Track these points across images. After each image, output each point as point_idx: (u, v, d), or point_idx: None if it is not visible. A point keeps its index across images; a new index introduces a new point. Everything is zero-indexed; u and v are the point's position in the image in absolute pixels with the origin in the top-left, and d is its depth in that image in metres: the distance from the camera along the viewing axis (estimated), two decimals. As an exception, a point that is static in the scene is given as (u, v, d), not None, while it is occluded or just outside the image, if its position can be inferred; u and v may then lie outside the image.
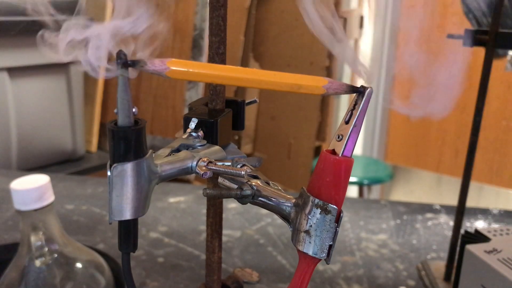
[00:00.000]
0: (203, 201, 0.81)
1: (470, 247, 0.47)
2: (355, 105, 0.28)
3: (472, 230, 0.52)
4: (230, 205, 0.81)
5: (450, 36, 0.50)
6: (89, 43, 0.26)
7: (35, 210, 0.42)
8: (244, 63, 1.96)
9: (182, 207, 0.80)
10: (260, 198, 0.32)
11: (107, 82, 1.84)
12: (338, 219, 0.29)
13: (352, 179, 1.97)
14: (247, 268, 0.48)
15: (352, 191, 2.24)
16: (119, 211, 0.28)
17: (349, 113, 0.28)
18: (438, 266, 0.62)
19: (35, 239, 0.43)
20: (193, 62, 0.27)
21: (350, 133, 0.28)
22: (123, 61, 0.25)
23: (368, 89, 0.27)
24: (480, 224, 0.77)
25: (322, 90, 0.27)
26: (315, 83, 0.27)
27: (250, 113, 2.03)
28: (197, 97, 1.88)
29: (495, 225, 0.77)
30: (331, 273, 0.62)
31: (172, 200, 0.83)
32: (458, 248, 0.55)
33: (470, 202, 0.59)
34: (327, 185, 0.29)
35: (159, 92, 1.92)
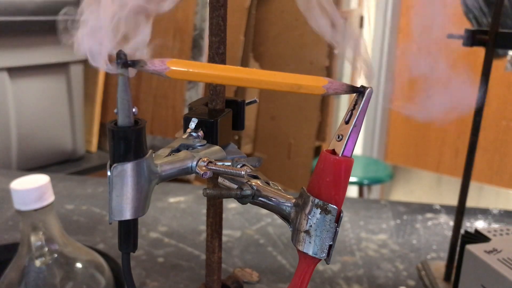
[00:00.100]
0: (203, 201, 0.81)
1: (470, 247, 0.47)
2: (355, 105, 0.28)
3: (472, 230, 0.52)
4: (230, 205, 0.81)
5: (450, 36, 0.50)
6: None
7: (35, 210, 0.42)
8: (244, 63, 1.96)
9: (182, 207, 0.80)
10: (260, 198, 0.32)
11: (107, 82, 1.84)
12: (338, 219, 0.29)
13: (352, 179, 1.97)
14: (247, 268, 0.48)
15: (352, 191, 2.24)
16: (119, 211, 0.28)
17: (349, 113, 0.28)
18: (438, 266, 0.62)
19: (35, 239, 0.43)
20: (193, 62, 0.27)
21: (350, 133, 0.28)
22: (123, 61, 0.25)
23: (368, 89, 0.27)
24: (480, 224, 0.77)
25: (322, 90, 0.27)
26: (315, 83, 0.27)
27: (250, 113, 2.03)
28: (197, 97, 1.88)
29: (495, 225, 0.77)
30: (331, 273, 0.62)
31: (172, 200, 0.83)
32: (458, 248, 0.55)
33: (470, 202, 0.59)
34: (327, 185, 0.29)
35: (159, 92, 1.92)
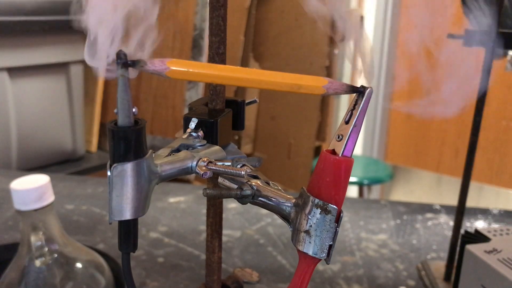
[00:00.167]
0: (203, 201, 0.81)
1: (470, 247, 0.47)
2: (355, 105, 0.28)
3: (472, 230, 0.52)
4: (230, 205, 0.81)
5: (450, 36, 0.50)
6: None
7: (35, 210, 0.42)
8: (244, 63, 1.96)
9: (182, 207, 0.80)
10: (260, 198, 0.32)
11: (107, 82, 1.84)
12: (338, 219, 0.29)
13: (352, 179, 1.97)
14: (247, 268, 0.48)
15: (352, 191, 2.24)
16: (119, 211, 0.28)
17: (349, 113, 0.28)
18: (438, 266, 0.62)
19: (35, 239, 0.43)
20: (193, 62, 0.27)
21: (350, 133, 0.28)
22: (123, 61, 0.25)
23: (368, 89, 0.27)
24: (480, 224, 0.77)
25: (322, 90, 0.27)
26: (315, 83, 0.27)
27: (250, 113, 2.03)
28: (197, 97, 1.88)
29: (495, 225, 0.77)
30: (331, 273, 0.62)
31: (172, 200, 0.83)
32: (458, 248, 0.55)
33: (470, 202, 0.59)
34: (327, 185, 0.29)
35: (159, 92, 1.92)
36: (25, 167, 1.60)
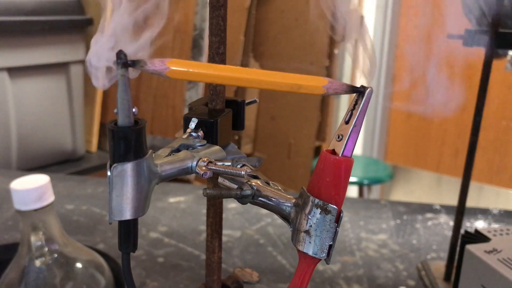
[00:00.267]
0: (203, 201, 0.81)
1: (470, 247, 0.47)
2: (355, 105, 0.28)
3: (472, 230, 0.52)
4: (230, 205, 0.81)
5: (450, 36, 0.50)
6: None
7: (35, 210, 0.42)
8: (244, 63, 1.96)
9: (182, 207, 0.80)
10: (260, 198, 0.32)
11: (107, 82, 1.84)
12: (338, 219, 0.29)
13: (352, 179, 1.97)
14: (247, 268, 0.48)
15: (352, 191, 2.24)
16: (119, 211, 0.28)
17: (349, 113, 0.28)
18: (438, 266, 0.62)
19: (35, 239, 0.43)
20: (193, 62, 0.27)
21: (350, 133, 0.28)
22: (123, 61, 0.25)
23: (368, 89, 0.27)
24: (480, 224, 0.77)
25: (322, 90, 0.27)
26: (315, 83, 0.27)
27: (250, 113, 2.03)
28: (197, 97, 1.88)
29: (495, 225, 0.77)
30: (331, 273, 0.62)
31: (172, 200, 0.83)
32: (458, 248, 0.55)
33: (470, 202, 0.59)
34: (327, 185, 0.29)
35: (159, 92, 1.92)
36: (25, 167, 1.60)
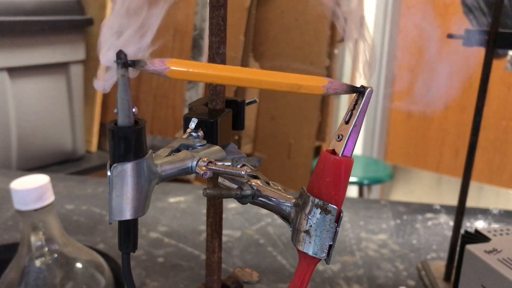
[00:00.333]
0: (203, 201, 0.81)
1: (470, 247, 0.47)
2: (355, 105, 0.28)
3: (472, 230, 0.52)
4: (230, 205, 0.81)
5: (450, 36, 0.50)
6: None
7: (35, 210, 0.42)
8: (244, 63, 1.96)
9: (182, 207, 0.80)
10: (260, 198, 0.32)
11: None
12: (338, 219, 0.29)
13: (352, 179, 1.97)
14: (247, 268, 0.48)
15: (352, 191, 2.24)
16: (119, 211, 0.28)
17: (349, 113, 0.28)
18: (438, 266, 0.62)
19: (35, 239, 0.43)
20: (193, 62, 0.27)
21: (350, 133, 0.28)
22: (123, 61, 0.25)
23: (368, 89, 0.27)
24: (480, 224, 0.77)
25: (322, 90, 0.27)
26: (315, 83, 0.27)
27: (250, 113, 2.03)
28: (197, 97, 1.88)
29: (495, 225, 0.77)
30: (331, 273, 0.62)
31: (172, 200, 0.83)
32: (458, 248, 0.55)
33: (470, 202, 0.59)
34: (327, 185, 0.29)
35: (159, 92, 1.92)
36: (25, 167, 1.60)
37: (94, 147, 1.88)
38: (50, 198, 0.43)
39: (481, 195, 2.21)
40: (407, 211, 0.81)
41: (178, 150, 0.32)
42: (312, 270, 0.31)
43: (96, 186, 0.88)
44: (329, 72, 1.93)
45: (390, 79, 2.18)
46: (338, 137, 0.29)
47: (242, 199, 0.32)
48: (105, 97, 1.87)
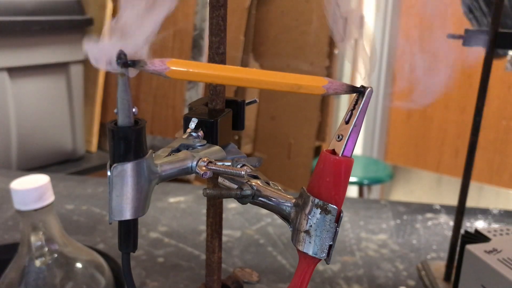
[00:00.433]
0: (203, 201, 0.81)
1: (470, 247, 0.47)
2: (355, 105, 0.28)
3: (472, 230, 0.52)
4: (230, 205, 0.81)
5: (450, 36, 0.50)
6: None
7: (35, 210, 0.42)
8: (244, 63, 1.96)
9: (182, 207, 0.80)
10: (260, 198, 0.32)
11: (107, 82, 1.84)
12: (338, 219, 0.29)
13: (352, 179, 1.97)
14: (247, 268, 0.48)
15: (352, 191, 2.24)
16: (119, 211, 0.28)
17: (349, 113, 0.28)
18: (438, 266, 0.62)
19: (35, 239, 0.43)
20: (193, 62, 0.27)
21: (350, 133, 0.28)
22: (123, 61, 0.25)
23: (368, 89, 0.27)
24: (480, 224, 0.77)
25: (322, 90, 0.27)
26: (315, 83, 0.27)
27: (250, 113, 2.03)
28: (197, 97, 1.88)
29: (495, 225, 0.77)
30: (331, 273, 0.62)
31: (172, 200, 0.83)
32: (458, 248, 0.55)
33: (470, 202, 0.59)
34: (327, 185, 0.29)
35: (159, 92, 1.92)
36: (25, 167, 1.60)
37: (94, 147, 1.88)
38: (50, 198, 0.43)
39: (481, 195, 2.21)
40: (407, 211, 0.81)
41: (178, 150, 0.32)
42: (312, 270, 0.31)
43: (96, 186, 0.88)
44: (329, 72, 1.93)
45: (390, 79, 2.18)
46: (338, 137, 0.29)
47: (242, 199, 0.32)
48: (105, 97, 1.87)
